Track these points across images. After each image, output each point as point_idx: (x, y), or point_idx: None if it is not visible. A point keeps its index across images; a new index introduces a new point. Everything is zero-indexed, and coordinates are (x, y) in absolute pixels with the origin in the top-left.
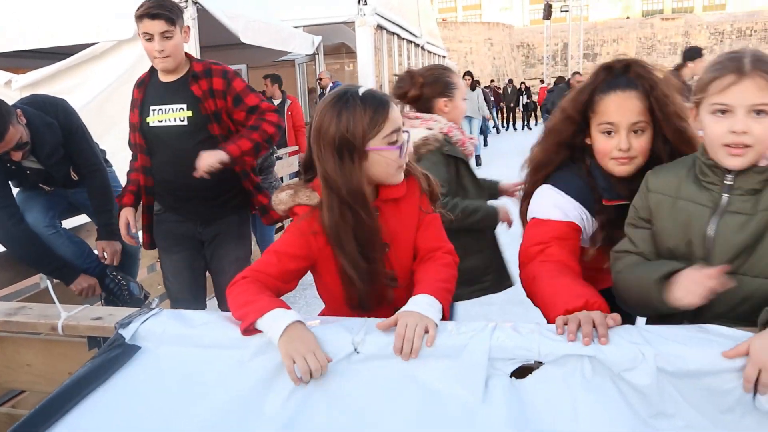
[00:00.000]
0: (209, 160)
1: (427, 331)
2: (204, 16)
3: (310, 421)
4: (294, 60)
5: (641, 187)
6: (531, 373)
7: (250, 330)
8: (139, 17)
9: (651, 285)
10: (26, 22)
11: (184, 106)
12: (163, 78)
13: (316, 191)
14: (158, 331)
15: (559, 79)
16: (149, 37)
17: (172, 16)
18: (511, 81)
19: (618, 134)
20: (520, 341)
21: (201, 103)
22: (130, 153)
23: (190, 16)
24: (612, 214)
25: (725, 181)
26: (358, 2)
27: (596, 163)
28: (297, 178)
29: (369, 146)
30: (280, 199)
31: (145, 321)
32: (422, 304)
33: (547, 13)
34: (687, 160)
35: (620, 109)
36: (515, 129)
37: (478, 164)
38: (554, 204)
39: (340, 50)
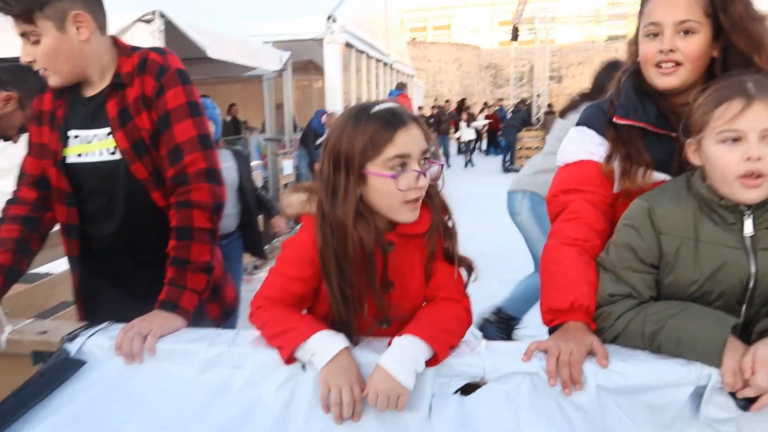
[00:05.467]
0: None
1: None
2: (171, 29)
3: None
4: (262, 75)
5: (638, 223)
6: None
7: (291, 358)
8: None
9: (711, 340)
10: None
11: (109, 130)
12: (84, 89)
13: None
14: (106, 345)
15: (520, 103)
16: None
17: (27, 5)
18: (524, 101)
19: (662, 35)
20: (466, 358)
21: (121, 128)
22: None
23: (157, 29)
24: (624, 138)
25: (744, 218)
26: (328, 19)
27: (632, 82)
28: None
29: (367, 169)
30: (290, 202)
31: (92, 335)
32: (402, 358)
33: (514, 35)
34: (680, 188)
35: (666, 5)
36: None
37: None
38: (573, 142)
39: (308, 67)
